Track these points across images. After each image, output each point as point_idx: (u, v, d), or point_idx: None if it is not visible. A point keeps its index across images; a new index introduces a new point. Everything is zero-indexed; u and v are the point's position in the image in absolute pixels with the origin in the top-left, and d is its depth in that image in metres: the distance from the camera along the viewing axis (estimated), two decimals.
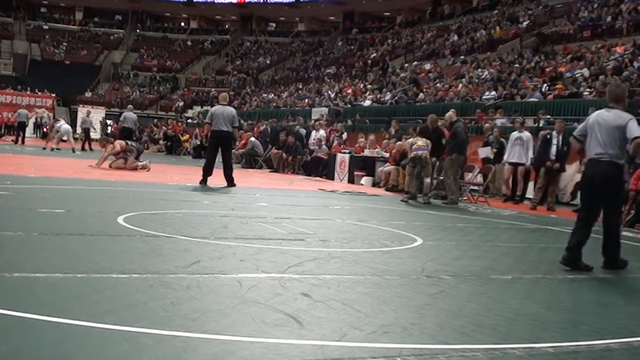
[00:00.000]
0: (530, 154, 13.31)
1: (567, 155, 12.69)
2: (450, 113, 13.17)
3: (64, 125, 22.92)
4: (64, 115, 40.52)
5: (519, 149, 13.41)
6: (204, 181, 12.02)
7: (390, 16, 46.97)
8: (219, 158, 12.57)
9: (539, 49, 24.90)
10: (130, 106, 26.26)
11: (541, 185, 12.73)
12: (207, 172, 12.09)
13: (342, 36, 46.42)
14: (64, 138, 22.48)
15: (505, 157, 13.74)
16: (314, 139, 20.16)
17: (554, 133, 12.78)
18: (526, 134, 13.54)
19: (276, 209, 9.14)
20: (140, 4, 53.61)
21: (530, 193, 13.72)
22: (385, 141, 17.40)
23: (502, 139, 14.36)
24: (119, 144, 14.93)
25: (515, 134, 13.62)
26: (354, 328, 3.30)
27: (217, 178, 12.18)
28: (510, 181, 13.90)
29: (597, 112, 5.97)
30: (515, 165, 13.53)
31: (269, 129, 23.34)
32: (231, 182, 12.18)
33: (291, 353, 2.86)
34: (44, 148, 21.87)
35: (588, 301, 4.53)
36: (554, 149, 12.49)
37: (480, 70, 24.87)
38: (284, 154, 19.98)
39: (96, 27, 54.81)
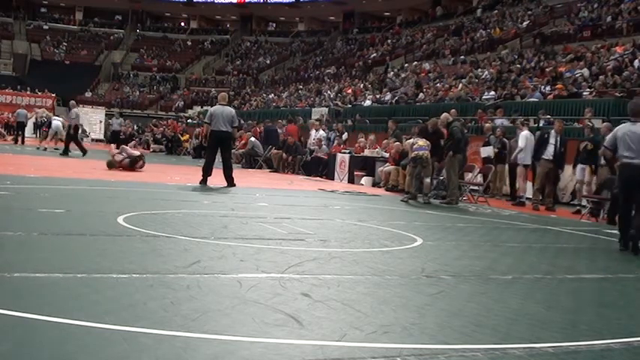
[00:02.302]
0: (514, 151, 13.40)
1: (564, 156, 12.67)
2: (446, 114, 13.18)
3: (54, 122, 22.79)
4: (64, 114, 40.58)
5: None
6: (204, 181, 12.02)
7: (390, 16, 46.97)
8: (219, 158, 12.58)
9: (540, 49, 24.91)
10: (73, 101, 21.98)
11: (539, 185, 12.71)
12: (207, 172, 12.10)
13: (342, 36, 46.42)
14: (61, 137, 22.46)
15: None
16: (314, 139, 20.19)
17: (552, 132, 12.73)
18: (522, 134, 13.46)
19: (276, 209, 9.13)
20: (140, 4, 53.61)
21: (529, 193, 13.72)
22: (385, 141, 17.41)
23: (505, 139, 14.36)
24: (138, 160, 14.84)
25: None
26: (354, 328, 3.30)
27: (217, 178, 12.18)
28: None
29: (623, 125, 7.38)
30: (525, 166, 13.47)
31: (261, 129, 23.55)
32: (231, 182, 12.20)
33: (291, 353, 2.85)
34: (38, 148, 21.89)
35: (588, 301, 4.53)
36: (551, 149, 12.45)
37: (480, 70, 24.88)
38: (284, 154, 19.99)
39: (96, 27, 54.80)
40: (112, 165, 14.48)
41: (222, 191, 11.49)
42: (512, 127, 15.49)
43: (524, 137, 13.26)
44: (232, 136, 12.90)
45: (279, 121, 24.53)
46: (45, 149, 21.23)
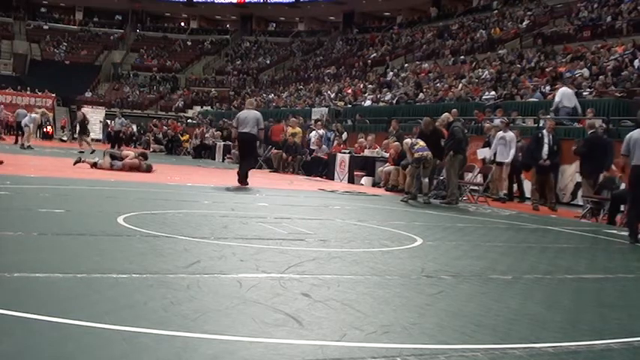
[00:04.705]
0: (512, 153, 13.58)
1: (559, 154, 12.71)
2: (446, 114, 13.25)
3: (25, 118, 22.65)
4: (64, 115, 40.56)
5: (502, 148, 13.68)
6: (243, 182, 12.58)
7: (390, 16, 46.96)
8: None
9: (540, 49, 24.90)
10: None
11: (536, 185, 12.75)
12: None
13: (342, 36, 46.41)
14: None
15: (489, 156, 14.00)
16: (314, 139, 20.20)
17: (544, 132, 12.79)
18: (509, 134, 13.77)
19: (276, 209, 9.14)
20: (140, 4, 53.59)
21: (528, 193, 13.75)
22: (385, 141, 17.40)
23: None
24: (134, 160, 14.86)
25: (500, 133, 13.82)
26: (354, 328, 3.30)
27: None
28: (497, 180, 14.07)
29: (634, 132, 8.17)
30: (500, 164, 13.73)
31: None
32: (244, 181, 12.59)
33: (291, 353, 2.85)
34: (22, 146, 21.86)
35: (588, 301, 4.53)
36: (546, 148, 12.49)
37: (480, 70, 24.87)
38: (284, 154, 19.99)
39: (96, 27, 54.79)
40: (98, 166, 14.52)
41: (222, 191, 11.50)
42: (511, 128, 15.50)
43: (513, 138, 13.78)
44: (257, 137, 13.25)
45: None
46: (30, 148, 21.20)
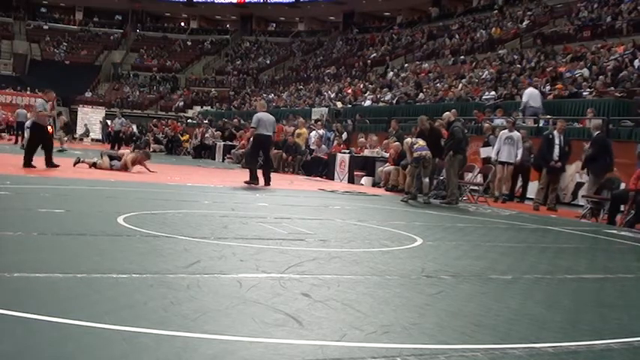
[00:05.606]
0: (520, 153, 13.47)
1: (569, 155, 12.73)
2: (448, 114, 13.25)
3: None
4: (65, 114, 40.52)
5: (509, 148, 13.54)
6: (253, 182, 12.84)
7: (390, 16, 46.96)
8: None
9: (540, 49, 24.90)
10: None
11: (543, 185, 12.72)
12: (254, 173, 12.97)
13: (342, 36, 46.41)
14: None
15: (493, 156, 13.82)
16: (314, 139, 20.20)
17: (555, 132, 12.77)
18: (516, 134, 13.66)
19: (276, 209, 9.14)
20: (140, 4, 53.59)
21: (530, 193, 13.74)
22: (385, 141, 17.41)
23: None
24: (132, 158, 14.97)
25: (505, 133, 13.68)
26: (354, 328, 3.30)
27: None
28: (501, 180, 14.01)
29: None
30: (503, 164, 13.63)
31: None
32: (268, 181, 13.04)
33: (291, 353, 2.85)
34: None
35: (588, 301, 4.53)
36: (557, 150, 12.47)
37: (480, 70, 24.86)
38: (284, 154, 19.99)
39: (96, 27, 54.79)
40: (98, 166, 14.60)
41: (223, 191, 11.49)
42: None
43: (520, 138, 13.68)
44: (273, 140, 13.78)
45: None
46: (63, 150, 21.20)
